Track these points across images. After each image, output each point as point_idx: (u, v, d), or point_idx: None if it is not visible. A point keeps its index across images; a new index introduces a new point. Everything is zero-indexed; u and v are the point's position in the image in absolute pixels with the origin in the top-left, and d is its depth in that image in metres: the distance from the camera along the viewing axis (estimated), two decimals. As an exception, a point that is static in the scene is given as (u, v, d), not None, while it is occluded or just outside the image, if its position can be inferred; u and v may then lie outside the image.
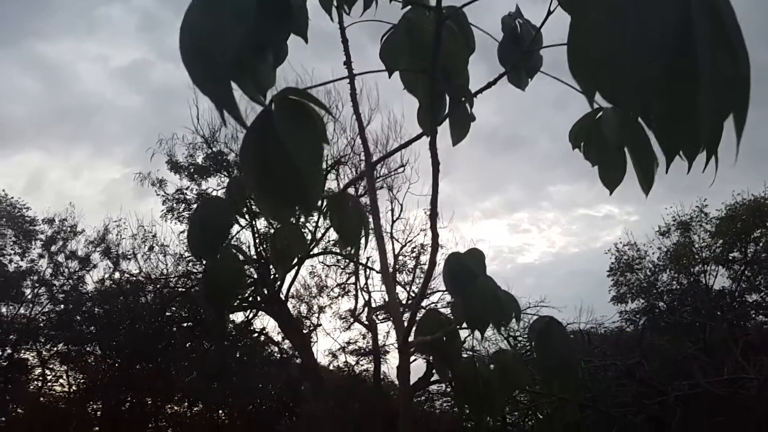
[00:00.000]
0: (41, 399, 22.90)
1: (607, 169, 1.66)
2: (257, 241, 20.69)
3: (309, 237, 21.75)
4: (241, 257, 2.32)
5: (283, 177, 1.04)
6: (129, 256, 21.14)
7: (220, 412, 27.16)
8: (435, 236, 1.97)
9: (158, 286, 21.06)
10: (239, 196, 2.79)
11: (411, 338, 2.44)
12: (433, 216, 1.98)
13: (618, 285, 18.22)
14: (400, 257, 22.67)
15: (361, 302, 23.08)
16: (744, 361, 10.47)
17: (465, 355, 2.63)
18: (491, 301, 2.45)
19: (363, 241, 2.98)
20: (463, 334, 2.56)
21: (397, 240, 22.65)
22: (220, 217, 2.60)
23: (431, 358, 2.69)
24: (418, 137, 1.88)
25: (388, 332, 23.86)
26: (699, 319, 13.40)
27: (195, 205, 20.07)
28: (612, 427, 10.33)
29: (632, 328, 18.10)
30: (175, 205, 20.06)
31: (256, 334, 24.62)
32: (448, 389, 20.70)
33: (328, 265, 22.76)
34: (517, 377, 2.38)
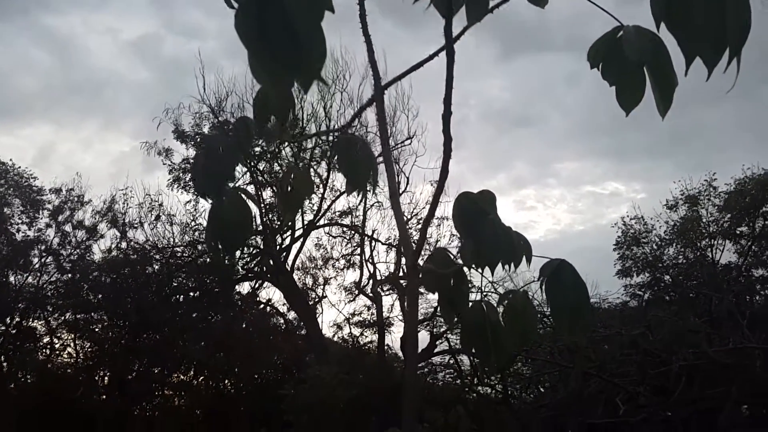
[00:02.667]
0: (49, 366, 23.17)
1: (624, 90, 1.60)
2: (262, 211, 20.67)
3: (315, 208, 21.77)
4: (246, 199, 2.29)
5: (281, 38, 0.98)
6: (135, 225, 21.17)
7: (226, 381, 27.47)
8: (448, 140, 1.90)
9: (165, 255, 21.12)
10: (245, 135, 2.74)
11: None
12: (447, 115, 1.90)
13: (624, 259, 18.16)
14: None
15: (366, 274, 23.16)
16: (750, 332, 10.46)
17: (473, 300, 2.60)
18: (503, 239, 2.41)
19: (371, 185, 2.93)
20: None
21: (402, 214, 22.57)
22: (225, 155, 2.55)
23: (438, 303, 2.65)
24: (432, 57, 1.82)
25: (392, 304, 23.98)
26: (705, 291, 13.38)
27: (201, 175, 20.04)
28: (616, 396, 10.39)
29: (637, 302, 18.10)
30: (181, 174, 20.03)
31: (261, 306, 24.77)
32: (451, 361, 20.77)
33: (333, 236, 22.77)
34: (526, 318, 2.34)
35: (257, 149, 18.39)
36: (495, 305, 2.42)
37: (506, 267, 2.45)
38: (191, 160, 20.10)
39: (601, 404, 10.64)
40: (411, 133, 20.82)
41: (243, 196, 2.49)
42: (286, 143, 17.56)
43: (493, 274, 2.36)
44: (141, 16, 37.02)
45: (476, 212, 2.42)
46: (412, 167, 22.42)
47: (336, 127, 20.08)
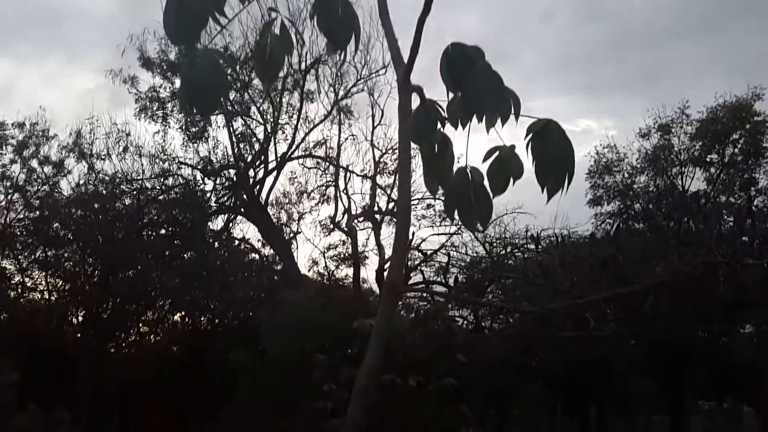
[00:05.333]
0: (21, 304, 22.94)
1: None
2: (234, 141, 20.29)
3: (288, 140, 21.41)
4: (220, 60, 2.17)
5: None
6: (103, 157, 20.61)
7: (202, 318, 27.55)
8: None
9: (134, 187, 20.67)
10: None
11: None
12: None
13: (595, 188, 18.37)
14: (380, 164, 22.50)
15: (341, 209, 23.11)
16: (717, 252, 10.74)
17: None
18: (493, 86, 2.33)
19: (353, 45, 2.79)
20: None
21: (377, 147, 22.36)
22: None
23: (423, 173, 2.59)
24: None
25: (367, 239, 24.09)
26: (674, 214, 13.69)
27: (169, 105, 19.50)
28: (585, 317, 10.67)
29: (606, 231, 18.41)
30: (148, 104, 19.42)
31: (237, 242, 24.63)
32: (426, 296, 21.07)
33: (308, 168, 22.54)
34: (512, 165, 2.31)
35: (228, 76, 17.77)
36: (479, 169, 2.40)
37: (495, 119, 2.39)
38: (158, 90, 19.48)
39: (570, 321, 10.97)
40: (386, 62, 20.40)
41: (216, 56, 2.36)
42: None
43: (488, 130, 2.30)
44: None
45: (465, 61, 2.33)
46: (387, 99, 22.06)
47: None
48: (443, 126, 2.54)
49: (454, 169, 2.44)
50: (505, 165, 2.27)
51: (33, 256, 23.14)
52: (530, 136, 2.24)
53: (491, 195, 2.34)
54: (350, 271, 24.24)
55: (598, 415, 27.48)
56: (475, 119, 2.36)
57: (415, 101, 2.45)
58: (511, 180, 2.33)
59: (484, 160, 2.31)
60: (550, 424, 19.15)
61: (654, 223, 16.04)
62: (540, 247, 13.82)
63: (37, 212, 21.78)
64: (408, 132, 2.39)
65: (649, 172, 17.64)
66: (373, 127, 21.92)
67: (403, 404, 4.97)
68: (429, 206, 21.53)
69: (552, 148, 2.22)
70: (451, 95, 2.42)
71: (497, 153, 2.31)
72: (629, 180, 18.07)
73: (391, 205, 21.58)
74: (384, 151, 22.19)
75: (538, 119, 2.28)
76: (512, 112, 2.34)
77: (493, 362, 15.75)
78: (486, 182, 2.37)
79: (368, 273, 29.11)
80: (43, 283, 23.62)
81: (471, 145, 2.38)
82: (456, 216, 2.47)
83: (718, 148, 17.02)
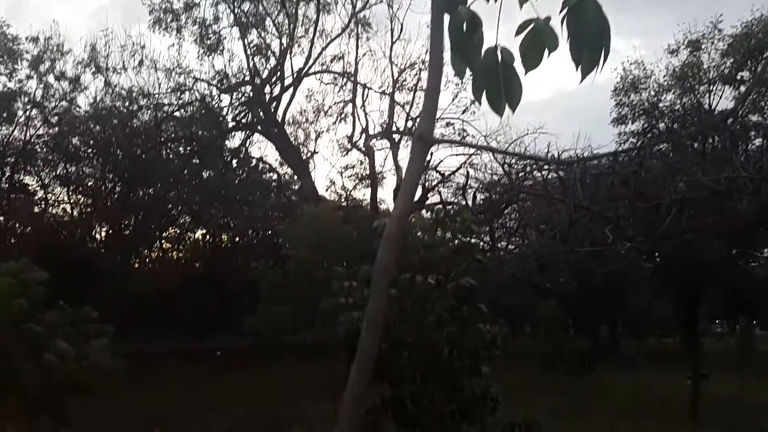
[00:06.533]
0: (45, 219, 23.43)
1: None
2: (249, 54, 19.91)
3: (304, 53, 20.94)
4: None
5: None
6: (119, 71, 20.40)
7: (223, 236, 28.07)
8: None
9: (151, 102, 20.54)
10: None
11: None
12: None
13: (620, 106, 17.91)
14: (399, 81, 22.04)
15: (358, 128, 22.89)
16: (743, 168, 10.49)
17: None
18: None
19: None
20: None
21: (395, 64, 21.85)
22: None
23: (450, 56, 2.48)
24: None
25: (384, 158, 23.99)
26: (701, 131, 13.33)
27: (183, 16, 19.03)
28: (605, 228, 10.62)
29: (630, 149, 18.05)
30: (162, 15, 18.98)
31: (254, 162, 24.67)
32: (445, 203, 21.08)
33: (325, 83, 22.18)
34: (547, 38, 2.20)
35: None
36: (508, 50, 2.29)
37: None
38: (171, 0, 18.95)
39: (589, 236, 10.93)
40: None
41: None
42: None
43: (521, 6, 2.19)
44: None
45: None
46: (407, 12, 21.33)
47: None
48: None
49: (483, 50, 2.34)
50: (539, 37, 2.16)
51: (54, 173, 23.45)
52: (565, 10, 2.12)
53: (524, 70, 2.24)
54: (367, 192, 24.32)
55: (611, 335, 28.00)
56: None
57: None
58: (546, 53, 2.22)
59: (518, 33, 2.19)
60: (561, 341, 19.53)
61: (679, 142, 15.64)
62: (561, 166, 13.61)
63: (56, 128, 21.87)
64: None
65: (676, 90, 17.08)
66: (392, 43, 21.40)
67: (421, 300, 5.04)
68: (448, 124, 21.25)
69: (587, 23, 2.10)
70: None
71: (532, 25, 2.19)
72: (655, 98, 17.54)
73: (409, 123, 21.31)
74: (403, 68, 21.73)
75: (573, -5, 2.15)
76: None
77: (507, 281, 15.91)
78: (517, 62, 2.27)
79: (385, 193, 29.13)
80: (66, 198, 24.06)
81: (501, 31, 2.28)
82: (484, 99, 2.40)
83: (750, 66, 16.33)
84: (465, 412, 4.92)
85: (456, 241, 5.33)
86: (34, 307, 6.38)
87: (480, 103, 2.49)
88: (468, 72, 2.44)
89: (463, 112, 20.52)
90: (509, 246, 21.92)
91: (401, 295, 5.00)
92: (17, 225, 23.27)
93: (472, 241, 5.45)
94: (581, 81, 2.20)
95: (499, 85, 2.30)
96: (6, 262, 6.82)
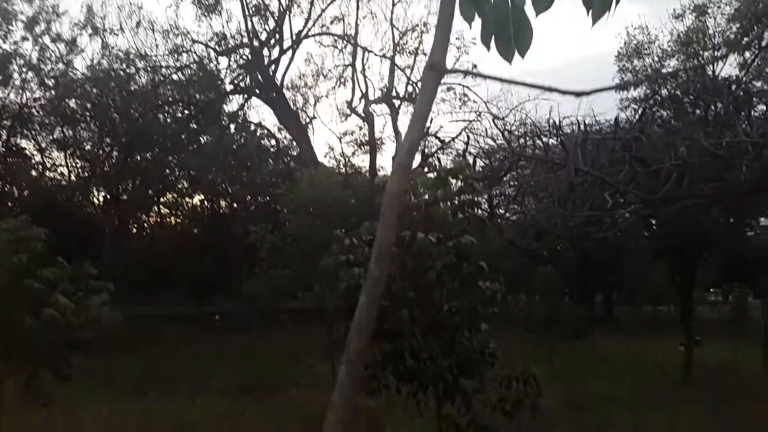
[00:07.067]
0: (43, 182, 23.34)
1: None
2: (247, 14, 19.58)
3: (304, 14, 20.60)
4: None
5: None
6: (116, 32, 20.08)
7: (221, 201, 28.00)
8: None
9: (149, 64, 20.26)
10: None
11: None
12: None
13: (623, 71, 17.70)
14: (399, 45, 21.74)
15: (358, 93, 22.66)
16: (744, 133, 10.41)
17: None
18: None
19: None
20: None
21: (396, 27, 21.53)
22: None
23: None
24: None
25: (384, 125, 23.84)
26: (703, 96, 13.21)
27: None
28: (604, 193, 10.59)
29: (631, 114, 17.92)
30: (159, -25, 18.60)
31: (253, 127, 24.45)
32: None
33: (325, 45, 21.87)
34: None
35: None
36: None
37: None
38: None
39: (588, 201, 10.89)
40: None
41: None
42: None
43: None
44: None
45: None
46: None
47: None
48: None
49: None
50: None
51: (51, 136, 23.26)
52: None
53: (535, 12, 2.18)
54: (366, 159, 24.20)
55: (606, 302, 28.23)
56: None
57: None
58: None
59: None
60: (557, 307, 19.69)
61: (681, 108, 15.49)
62: (561, 132, 13.50)
63: (53, 91, 21.60)
64: None
65: (681, 55, 16.87)
66: (393, 5, 21.04)
67: (422, 257, 5.03)
68: (449, 89, 21.04)
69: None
70: None
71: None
72: (659, 64, 17.33)
73: (410, 88, 21.09)
74: (404, 30, 21.42)
75: None
76: None
77: (504, 247, 15.92)
78: (527, 6, 2.21)
79: (384, 160, 28.97)
80: (63, 162, 23.92)
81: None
82: (492, 45, 2.33)
83: (757, 31, 16.10)
84: (463, 366, 4.96)
85: (457, 199, 5.30)
86: (33, 262, 6.37)
87: (489, 49, 2.42)
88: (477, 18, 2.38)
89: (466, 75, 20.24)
90: (507, 214, 21.93)
91: (402, 252, 4.99)
92: (14, 189, 23.19)
93: (475, 198, 5.41)
94: (593, 25, 2.14)
95: (508, 31, 2.25)
96: (4, 220, 6.81)
